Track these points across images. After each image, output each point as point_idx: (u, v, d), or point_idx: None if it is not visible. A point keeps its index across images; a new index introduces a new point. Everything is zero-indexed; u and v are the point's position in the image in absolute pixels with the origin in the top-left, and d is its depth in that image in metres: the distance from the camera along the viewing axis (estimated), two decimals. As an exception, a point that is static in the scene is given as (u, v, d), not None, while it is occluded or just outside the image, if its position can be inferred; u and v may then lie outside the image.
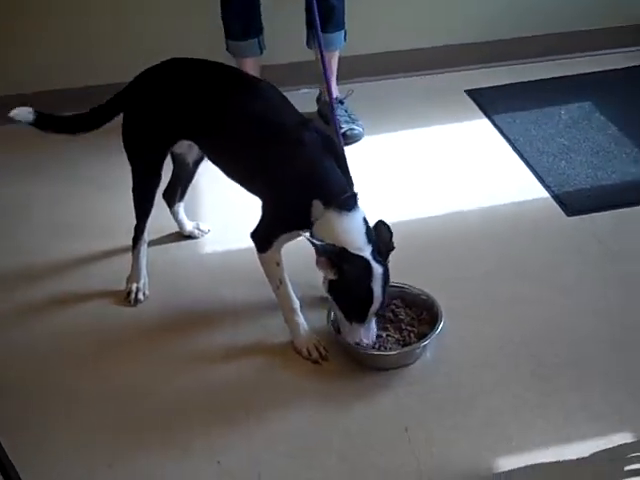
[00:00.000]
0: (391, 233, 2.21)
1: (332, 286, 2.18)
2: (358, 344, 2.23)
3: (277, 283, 2.36)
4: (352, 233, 2.16)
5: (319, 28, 2.89)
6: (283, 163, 2.24)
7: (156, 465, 2.06)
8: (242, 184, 2.41)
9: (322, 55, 2.87)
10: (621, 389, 2.19)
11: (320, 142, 2.26)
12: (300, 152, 2.23)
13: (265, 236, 2.32)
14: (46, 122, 2.54)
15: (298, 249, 2.34)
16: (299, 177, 2.22)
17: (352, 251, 2.13)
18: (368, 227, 2.20)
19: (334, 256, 2.11)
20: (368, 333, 2.22)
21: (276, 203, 2.30)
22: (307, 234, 2.16)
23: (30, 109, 2.49)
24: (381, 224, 2.22)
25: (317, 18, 2.87)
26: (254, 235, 2.35)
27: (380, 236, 2.20)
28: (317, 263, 2.14)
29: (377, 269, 2.15)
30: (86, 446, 2.13)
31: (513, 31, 3.97)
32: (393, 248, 2.22)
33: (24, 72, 3.67)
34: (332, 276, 2.15)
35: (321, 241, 2.12)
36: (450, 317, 2.36)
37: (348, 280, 2.14)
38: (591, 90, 3.74)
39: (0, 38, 3.61)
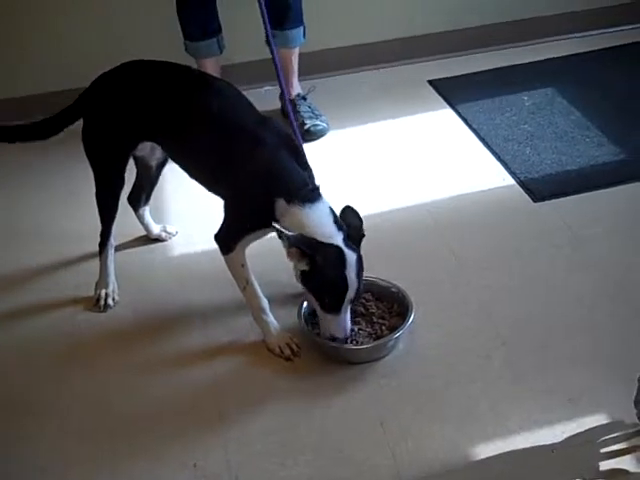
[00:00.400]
0: (360, 220, 2.22)
1: (305, 277, 2.17)
2: (334, 337, 2.22)
3: (244, 284, 2.34)
4: (320, 224, 2.15)
5: (269, 27, 2.87)
6: (242, 162, 2.23)
7: (131, 472, 2.05)
8: (204, 184, 2.40)
9: (273, 54, 2.85)
10: (592, 372, 2.20)
11: (278, 140, 2.25)
12: (259, 151, 2.22)
13: (228, 238, 2.31)
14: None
15: (264, 247, 2.34)
16: (258, 176, 2.21)
17: (323, 240, 2.12)
18: (336, 216, 2.20)
19: (305, 246, 2.10)
20: (343, 325, 2.21)
21: (237, 203, 2.29)
22: (277, 225, 2.13)
23: None
24: (349, 210, 2.22)
25: (266, 16, 2.84)
26: (217, 237, 2.34)
27: (349, 223, 2.20)
28: (288, 255, 2.13)
29: (350, 256, 2.14)
30: (58, 456, 2.11)
31: (472, 20, 3.98)
32: (364, 235, 2.22)
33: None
34: (304, 267, 2.14)
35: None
36: (421, 308, 2.36)
37: (321, 269, 2.12)
38: (552, 76, 3.76)
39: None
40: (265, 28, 2.86)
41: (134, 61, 2.49)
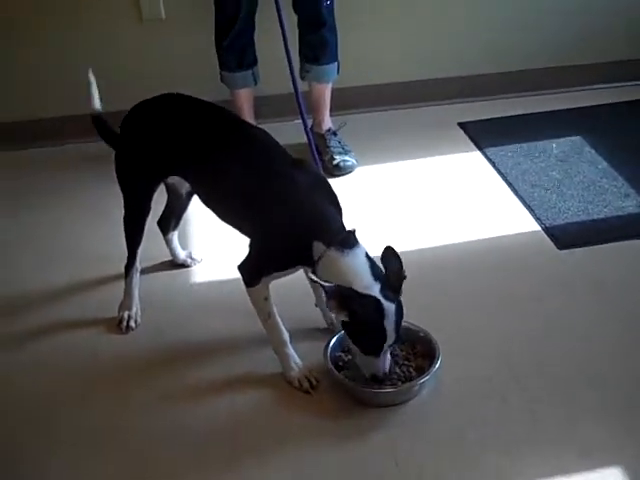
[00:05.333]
0: (400, 262, 2.17)
1: (346, 325, 2.16)
2: (375, 376, 2.20)
3: (265, 316, 2.34)
4: (357, 272, 2.13)
5: (294, 72, 3.06)
6: (277, 203, 2.22)
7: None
8: (232, 224, 2.38)
9: (297, 95, 2.99)
10: (613, 424, 2.18)
11: (313, 182, 2.26)
12: (294, 192, 2.22)
13: (255, 271, 2.29)
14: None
15: (287, 281, 2.33)
16: (296, 217, 2.19)
17: (360, 290, 2.10)
18: (373, 263, 2.17)
19: (343, 298, 2.08)
20: (383, 365, 2.19)
21: (270, 242, 2.25)
22: (314, 276, 2.13)
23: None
24: (389, 252, 2.17)
25: (291, 56, 3.05)
26: (242, 268, 2.31)
27: (390, 266, 2.16)
28: (327, 305, 2.13)
29: (388, 307, 2.10)
30: (73, 475, 2.11)
31: (506, 65, 4.02)
32: (404, 277, 2.18)
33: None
34: (344, 318, 2.12)
35: (327, 282, 2.09)
36: (441, 351, 2.33)
37: (360, 321, 2.11)
38: (581, 124, 3.78)
39: None
40: (290, 67, 3.06)
41: (170, 94, 2.51)
